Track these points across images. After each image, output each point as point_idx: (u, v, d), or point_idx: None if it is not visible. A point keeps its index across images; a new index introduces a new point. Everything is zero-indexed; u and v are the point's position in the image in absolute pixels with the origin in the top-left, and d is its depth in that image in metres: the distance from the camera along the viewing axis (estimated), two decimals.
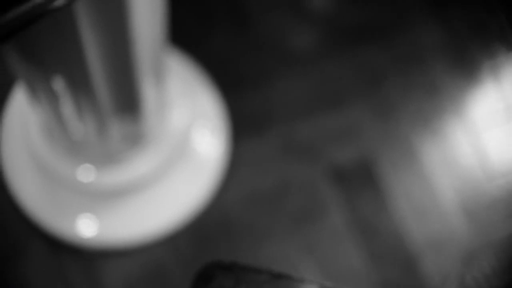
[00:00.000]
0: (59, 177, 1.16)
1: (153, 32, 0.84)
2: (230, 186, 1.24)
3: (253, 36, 1.36)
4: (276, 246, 1.23)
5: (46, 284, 1.20)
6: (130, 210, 1.18)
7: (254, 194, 1.25)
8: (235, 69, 1.33)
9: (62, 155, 1.13)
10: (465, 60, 1.37)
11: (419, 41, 1.38)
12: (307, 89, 1.33)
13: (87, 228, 1.19)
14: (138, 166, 1.14)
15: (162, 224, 1.19)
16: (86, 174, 1.14)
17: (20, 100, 1.24)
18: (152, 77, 0.93)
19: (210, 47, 1.33)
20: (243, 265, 0.36)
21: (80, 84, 0.83)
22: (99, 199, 1.18)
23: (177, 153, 1.18)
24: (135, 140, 1.06)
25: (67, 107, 0.89)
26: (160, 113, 1.07)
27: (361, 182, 1.27)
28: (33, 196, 1.21)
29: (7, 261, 1.21)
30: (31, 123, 1.16)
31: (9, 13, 0.33)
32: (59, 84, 0.83)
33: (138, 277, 1.19)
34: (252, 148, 1.27)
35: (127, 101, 0.93)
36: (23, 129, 1.20)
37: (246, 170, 1.26)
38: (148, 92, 0.94)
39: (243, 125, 1.28)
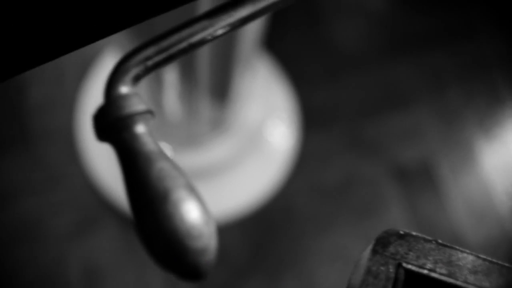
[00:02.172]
0: None
1: (253, 40, 0.90)
2: (297, 177, 1.29)
3: (325, 35, 1.40)
4: (336, 236, 1.28)
5: (115, 259, 1.25)
6: (201, 193, 1.23)
7: (318, 186, 1.30)
8: (307, 66, 1.37)
9: None
10: None
11: (484, 50, 1.42)
12: (374, 88, 1.37)
13: None
14: (215, 150, 1.19)
15: (231, 209, 1.24)
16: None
17: (100, 78, 1.29)
18: (244, 70, 0.98)
19: (285, 44, 1.38)
20: (415, 234, 0.41)
21: (186, 75, 0.89)
22: None
23: (251, 142, 1.23)
24: (218, 124, 1.12)
25: (169, 92, 0.95)
26: (241, 102, 1.12)
27: (421, 182, 1.32)
28: (107, 172, 1.26)
29: (77, 233, 1.26)
30: None
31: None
32: (167, 74, 0.89)
33: None
34: (320, 141, 1.32)
35: (222, 88, 0.98)
36: None
37: (312, 162, 1.31)
38: (238, 82, 0.99)
39: (313, 119, 1.33)
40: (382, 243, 0.43)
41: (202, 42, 0.38)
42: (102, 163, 1.27)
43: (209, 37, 0.38)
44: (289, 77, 1.35)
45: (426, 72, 1.40)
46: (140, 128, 0.36)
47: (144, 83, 0.95)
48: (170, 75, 0.88)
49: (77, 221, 1.26)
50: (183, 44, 0.38)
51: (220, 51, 0.86)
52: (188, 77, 0.90)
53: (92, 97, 1.30)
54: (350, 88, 1.37)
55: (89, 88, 1.31)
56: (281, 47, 1.38)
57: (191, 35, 0.38)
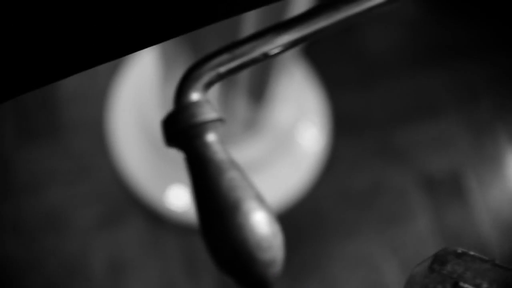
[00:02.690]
0: (168, 152, 1.21)
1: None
2: (325, 181, 1.29)
3: (359, 42, 1.40)
4: (362, 243, 1.27)
5: (139, 253, 1.25)
6: None
7: (346, 191, 1.29)
8: (340, 71, 1.37)
9: None
10: None
11: None
12: (405, 96, 1.37)
13: (186, 203, 1.24)
14: (247, 150, 1.19)
15: None
16: None
17: (136, 75, 1.29)
18: (281, 73, 0.98)
19: (319, 49, 1.38)
20: (472, 254, 0.41)
21: None
22: None
23: (282, 144, 1.23)
24: (251, 125, 1.12)
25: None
26: (276, 104, 1.12)
27: (449, 193, 1.31)
28: (135, 166, 1.27)
29: (102, 226, 1.26)
30: (147, 97, 1.22)
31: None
32: None
33: None
34: (349, 147, 1.32)
35: (258, 89, 0.98)
36: (137, 102, 1.26)
37: (341, 167, 1.30)
38: (275, 84, 0.99)
39: (343, 124, 1.33)
40: (440, 261, 0.43)
41: (275, 53, 0.38)
42: (131, 157, 1.27)
43: (282, 48, 0.38)
44: (322, 81, 1.35)
45: (458, 82, 1.39)
46: (211, 136, 0.36)
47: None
48: None
49: (103, 213, 1.27)
50: (256, 53, 0.38)
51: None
52: (227, 79, 0.90)
53: (124, 91, 1.30)
54: (382, 95, 1.36)
55: (121, 82, 1.31)
56: (315, 52, 1.37)
57: (265, 44, 0.38)
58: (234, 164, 0.36)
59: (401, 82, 1.38)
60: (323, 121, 1.30)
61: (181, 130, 0.35)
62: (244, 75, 0.90)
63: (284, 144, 1.24)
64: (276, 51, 0.38)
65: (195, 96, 0.37)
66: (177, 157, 1.22)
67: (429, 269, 0.43)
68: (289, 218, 1.26)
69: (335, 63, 1.38)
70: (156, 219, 1.26)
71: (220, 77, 0.38)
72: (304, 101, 1.29)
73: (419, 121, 1.36)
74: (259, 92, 0.99)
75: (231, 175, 0.35)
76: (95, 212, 1.27)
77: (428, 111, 1.37)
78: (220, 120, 0.36)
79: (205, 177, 0.35)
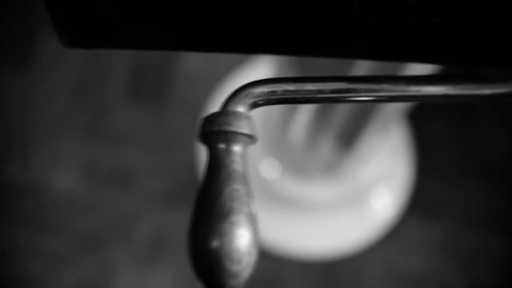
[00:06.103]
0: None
1: (399, 107, 0.91)
2: (379, 249, 1.28)
3: (472, 136, 1.38)
4: None
5: (184, 240, 1.28)
6: (288, 222, 1.25)
7: (394, 268, 1.28)
8: (439, 154, 1.36)
9: (262, 149, 1.21)
10: None
11: None
12: (491, 204, 1.34)
13: None
14: (317, 189, 1.20)
15: (306, 247, 1.25)
16: (271, 170, 1.21)
17: (247, 78, 1.33)
18: (378, 129, 0.99)
19: (428, 126, 1.37)
20: None
21: (323, 110, 0.91)
22: (273, 199, 1.25)
23: (353, 197, 1.24)
24: (331, 167, 1.13)
25: (300, 118, 0.97)
26: (362, 157, 1.13)
27: None
28: None
29: (162, 200, 1.31)
30: None
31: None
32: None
33: (257, 281, 1.25)
34: (416, 229, 1.31)
35: (349, 137, 0.99)
36: None
37: (399, 243, 1.30)
38: (367, 138, 1.00)
39: (421, 206, 1.31)
40: None
41: (333, 100, 0.41)
42: None
43: (345, 99, 0.41)
44: (417, 156, 1.34)
45: None
46: (237, 147, 0.38)
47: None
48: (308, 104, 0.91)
49: (167, 190, 1.31)
50: (312, 93, 0.40)
51: (363, 103, 0.88)
52: (323, 112, 0.92)
53: (235, 88, 1.34)
54: (470, 194, 1.34)
55: (236, 80, 1.35)
56: (422, 126, 1.37)
57: (322, 91, 0.40)
58: (245, 180, 0.38)
59: (497, 190, 1.35)
60: (402, 194, 1.30)
61: (213, 131, 0.38)
62: (340, 117, 0.92)
63: (356, 198, 1.25)
64: (328, 98, 0.40)
65: (239, 108, 0.40)
66: (254, 177, 1.25)
67: None
68: (329, 269, 1.27)
69: (439, 144, 1.37)
70: None
71: (268, 103, 0.41)
72: (391, 167, 1.29)
73: (494, 233, 1.32)
74: (348, 140, 1.00)
75: (237, 187, 0.37)
76: (160, 186, 1.32)
77: (508, 229, 1.33)
78: (251, 137, 0.39)
79: (214, 179, 0.37)
